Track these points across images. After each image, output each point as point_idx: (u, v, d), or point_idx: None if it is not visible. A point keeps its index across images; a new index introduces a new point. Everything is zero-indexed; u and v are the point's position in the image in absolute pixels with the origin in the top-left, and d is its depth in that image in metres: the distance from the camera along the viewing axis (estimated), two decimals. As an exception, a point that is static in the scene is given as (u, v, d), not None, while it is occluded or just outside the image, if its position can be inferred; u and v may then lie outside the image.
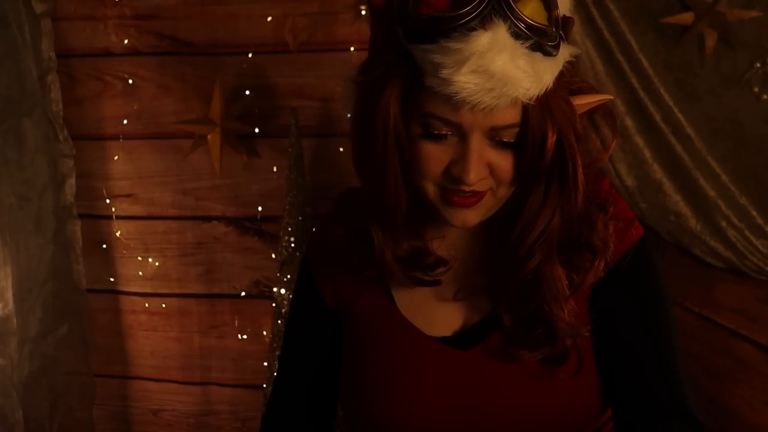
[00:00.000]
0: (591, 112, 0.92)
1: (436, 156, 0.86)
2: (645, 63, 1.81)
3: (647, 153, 1.85)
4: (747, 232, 1.81)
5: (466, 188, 0.86)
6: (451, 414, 0.97)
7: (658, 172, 1.85)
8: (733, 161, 1.82)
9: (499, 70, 0.78)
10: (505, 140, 0.85)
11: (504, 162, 0.86)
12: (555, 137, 0.84)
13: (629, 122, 1.83)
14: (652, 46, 1.81)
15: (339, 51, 2.01)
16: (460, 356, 0.97)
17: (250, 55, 2.06)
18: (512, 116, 0.83)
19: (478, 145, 0.84)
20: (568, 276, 0.92)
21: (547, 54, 0.81)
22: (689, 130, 1.81)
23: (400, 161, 0.88)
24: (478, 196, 0.87)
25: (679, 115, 1.81)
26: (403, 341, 1.00)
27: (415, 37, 0.82)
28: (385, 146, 0.87)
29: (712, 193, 1.81)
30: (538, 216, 0.89)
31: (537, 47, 0.80)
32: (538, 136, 0.84)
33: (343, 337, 1.07)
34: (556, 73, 0.83)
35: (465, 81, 0.78)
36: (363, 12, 1.94)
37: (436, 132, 0.85)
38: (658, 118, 1.82)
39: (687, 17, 1.76)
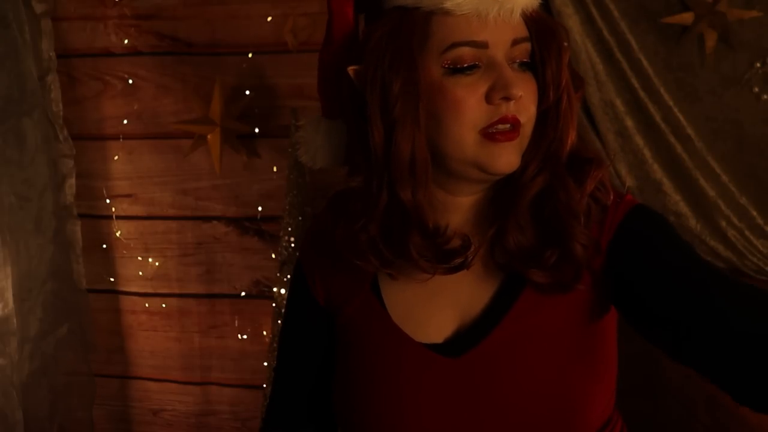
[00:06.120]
0: None
1: (470, 88, 0.86)
2: (645, 63, 1.81)
3: (647, 153, 1.85)
4: (747, 232, 1.81)
5: (509, 114, 0.86)
6: (443, 424, 0.94)
7: (658, 172, 1.85)
8: (733, 161, 1.82)
9: None
10: (524, 60, 0.89)
11: (528, 85, 0.89)
12: (569, 51, 0.91)
13: (629, 122, 1.83)
14: (652, 46, 1.82)
15: (339, 51, 2.01)
16: (451, 364, 0.95)
17: (250, 55, 2.06)
18: (523, 29, 0.89)
19: (507, 63, 0.88)
20: (576, 181, 0.91)
21: None
22: (689, 130, 1.81)
23: (425, 119, 0.87)
24: (517, 129, 0.88)
25: (679, 115, 1.81)
26: (392, 349, 0.97)
27: None
28: (416, 103, 0.86)
29: (712, 193, 1.82)
30: (543, 134, 0.91)
31: None
32: (554, 48, 0.90)
33: (335, 339, 1.06)
34: None
35: None
36: (363, 12, 1.94)
37: (465, 65, 0.86)
38: (658, 118, 1.82)
39: (687, 17, 1.76)
